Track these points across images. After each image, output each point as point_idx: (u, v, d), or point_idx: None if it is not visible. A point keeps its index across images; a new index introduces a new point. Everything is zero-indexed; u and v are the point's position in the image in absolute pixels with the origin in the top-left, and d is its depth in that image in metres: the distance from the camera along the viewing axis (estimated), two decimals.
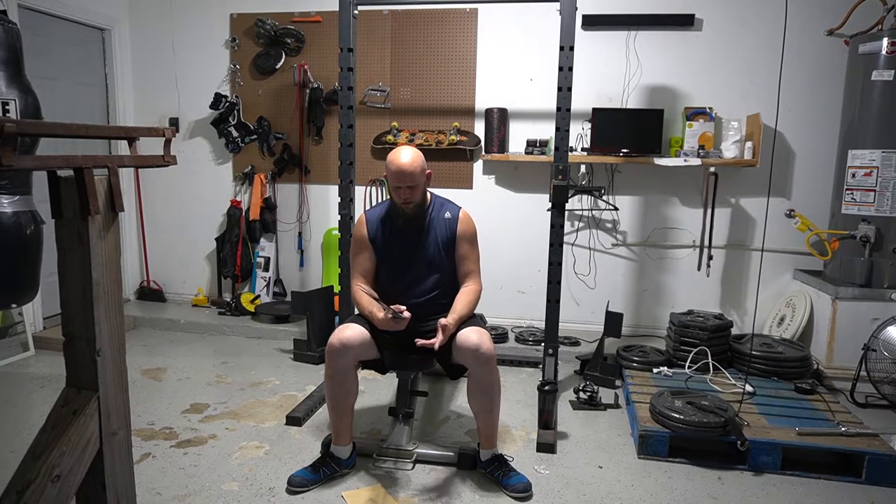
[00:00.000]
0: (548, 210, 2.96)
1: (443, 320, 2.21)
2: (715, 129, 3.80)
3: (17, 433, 2.65)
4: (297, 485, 2.23)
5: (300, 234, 4.56)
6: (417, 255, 2.38)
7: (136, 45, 4.60)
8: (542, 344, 3.09)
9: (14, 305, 2.09)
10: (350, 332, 2.24)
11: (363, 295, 2.34)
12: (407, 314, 2.19)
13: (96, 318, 1.30)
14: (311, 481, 2.25)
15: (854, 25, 3.53)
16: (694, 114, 3.81)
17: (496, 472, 2.29)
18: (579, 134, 3.95)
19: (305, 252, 4.58)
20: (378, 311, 2.24)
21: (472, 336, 2.20)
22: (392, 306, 2.19)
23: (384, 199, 4.23)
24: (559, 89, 2.84)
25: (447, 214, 2.41)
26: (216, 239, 4.63)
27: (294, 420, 2.80)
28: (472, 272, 2.42)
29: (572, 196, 3.96)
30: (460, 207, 2.46)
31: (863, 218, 3.34)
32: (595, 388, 3.06)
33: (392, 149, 4.14)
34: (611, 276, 4.15)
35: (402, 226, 2.39)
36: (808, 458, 2.46)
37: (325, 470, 2.29)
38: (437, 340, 2.15)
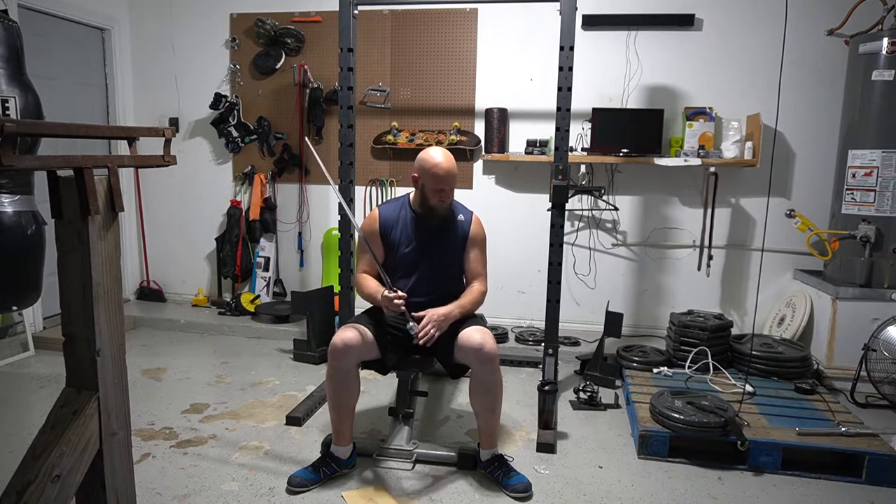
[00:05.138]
0: (548, 210, 2.96)
1: (441, 314, 2.24)
2: (715, 129, 3.80)
3: (17, 433, 2.65)
4: (296, 485, 2.23)
5: (300, 234, 4.56)
6: (428, 254, 2.40)
7: (136, 45, 4.60)
8: (542, 344, 3.09)
9: (15, 308, 2.07)
10: (352, 333, 2.24)
11: (368, 280, 2.38)
12: (403, 295, 2.23)
13: (96, 318, 1.29)
14: (310, 481, 2.25)
15: (854, 25, 3.53)
16: (694, 114, 3.81)
17: (496, 472, 2.29)
18: (579, 134, 3.95)
19: (305, 252, 4.58)
20: (378, 296, 2.28)
21: (475, 335, 2.21)
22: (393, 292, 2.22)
23: (384, 199, 4.24)
24: (559, 89, 2.84)
25: (460, 217, 2.46)
26: (216, 239, 4.63)
27: (294, 420, 2.80)
28: (479, 275, 2.46)
29: (572, 196, 3.96)
30: (472, 211, 2.51)
31: (863, 218, 3.34)
32: (595, 388, 3.06)
33: (393, 149, 4.21)
34: (611, 276, 4.15)
35: (418, 225, 2.41)
36: (808, 458, 2.46)
37: (326, 470, 2.29)
38: (432, 330, 2.19)
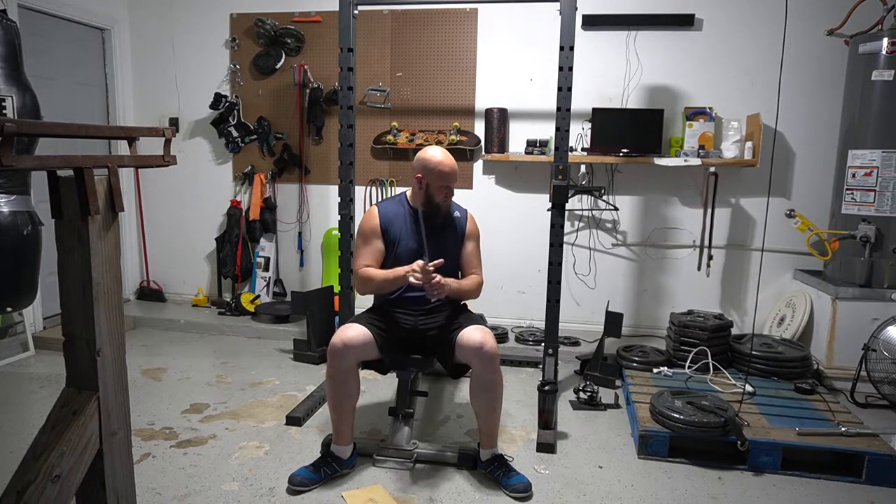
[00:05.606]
0: (548, 210, 2.96)
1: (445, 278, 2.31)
2: (715, 129, 3.80)
3: (17, 433, 2.65)
4: (297, 484, 2.23)
5: (300, 234, 4.56)
6: (427, 251, 2.40)
7: (136, 45, 4.60)
8: (542, 344, 3.09)
9: (10, 309, 2.06)
10: (353, 333, 2.25)
11: (374, 269, 2.40)
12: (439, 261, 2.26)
13: (96, 318, 1.29)
14: (311, 481, 2.25)
15: (854, 25, 3.53)
16: (694, 114, 3.81)
17: (496, 472, 2.29)
18: (579, 134, 3.95)
19: (305, 252, 4.58)
20: (400, 270, 2.29)
21: (475, 334, 2.22)
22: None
23: (383, 198, 4.23)
24: (559, 89, 2.84)
25: (457, 213, 2.52)
26: (216, 239, 4.63)
27: (294, 420, 2.80)
28: (475, 268, 2.53)
29: (572, 196, 3.96)
30: (466, 209, 2.57)
31: (863, 218, 3.34)
32: (595, 388, 3.06)
33: (393, 149, 4.21)
34: (611, 276, 4.15)
35: (417, 221, 2.44)
36: (808, 458, 2.46)
37: (326, 469, 2.29)
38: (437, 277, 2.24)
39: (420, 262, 2.24)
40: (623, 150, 3.79)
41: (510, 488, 2.23)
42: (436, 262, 2.24)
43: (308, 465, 2.31)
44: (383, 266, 2.45)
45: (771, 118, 3.53)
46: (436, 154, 2.37)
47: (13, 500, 1.17)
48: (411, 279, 2.24)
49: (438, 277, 2.25)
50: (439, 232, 2.45)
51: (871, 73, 3.29)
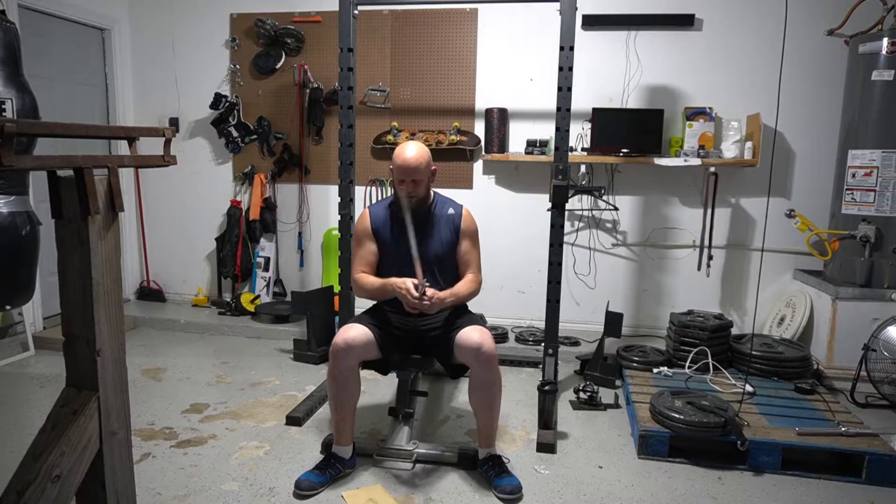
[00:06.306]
0: (548, 210, 2.96)
1: (438, 292, 2.25)
2: (715, 129, 3.80)
3: (17, 433, 2.65)
4: (306, 488, 2.20)
5: (300, 234, 4.56)
6: (419, 249, 2.39)
7: (136, 45, 4.60)
8: (542, 344, 3.08)
9: (8, 307, 2.08)
10: (354, 333, 2.25)
11: (367, 276, 2.39)
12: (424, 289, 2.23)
13: (96, 318, 1.29)
14: (320, 483, 2.23)
15: (854, 25, 3.53)
16: (694, 114, 3.81)
17: (489, 472, 2.29)
18: (579, 134, 3.95)
19: (305, 252, 4.58)
20: (395, 282, 2.24)
21: (473, 335, 2.21)
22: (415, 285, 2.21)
23: (380, 199, 4.23)
24: (559, 89, 2.83)
25: (450, 210, 2.47)
26: (216, 239, 4.63)
27: (294, 420, 2.80)
28: (472, 266, 2.47)
29: (572, 196, 3.96)
30: (462, 205, 2.52)
31: (863, 218, 3.34)
32: (595, 388, 3.06)
33: (392, 148, 4.20)
34: (611, 276, 4.15)
35: (402, 220, 2.40)
36: (808, 458, 2.46)
37: (331, 471, 2.28)
38: (430, 294, 2.20)
39: (411, 281, 2.21)
40: (623, 150, 3.79)
41: (498, 489, 2.22)
42: (418, 282, 2.21)
43: (313, 469, 2.29)
44: (378, 264, 2.45)
45: (771, 118, 3.53)
46: (402, 147, 2.34)
47: (13, 500, 1.17)
48: (407, 307, 2.23)
49: (430, 293, 2.20)
50: (424, 230, 2.40)
51: (871, 73, 3.29)
